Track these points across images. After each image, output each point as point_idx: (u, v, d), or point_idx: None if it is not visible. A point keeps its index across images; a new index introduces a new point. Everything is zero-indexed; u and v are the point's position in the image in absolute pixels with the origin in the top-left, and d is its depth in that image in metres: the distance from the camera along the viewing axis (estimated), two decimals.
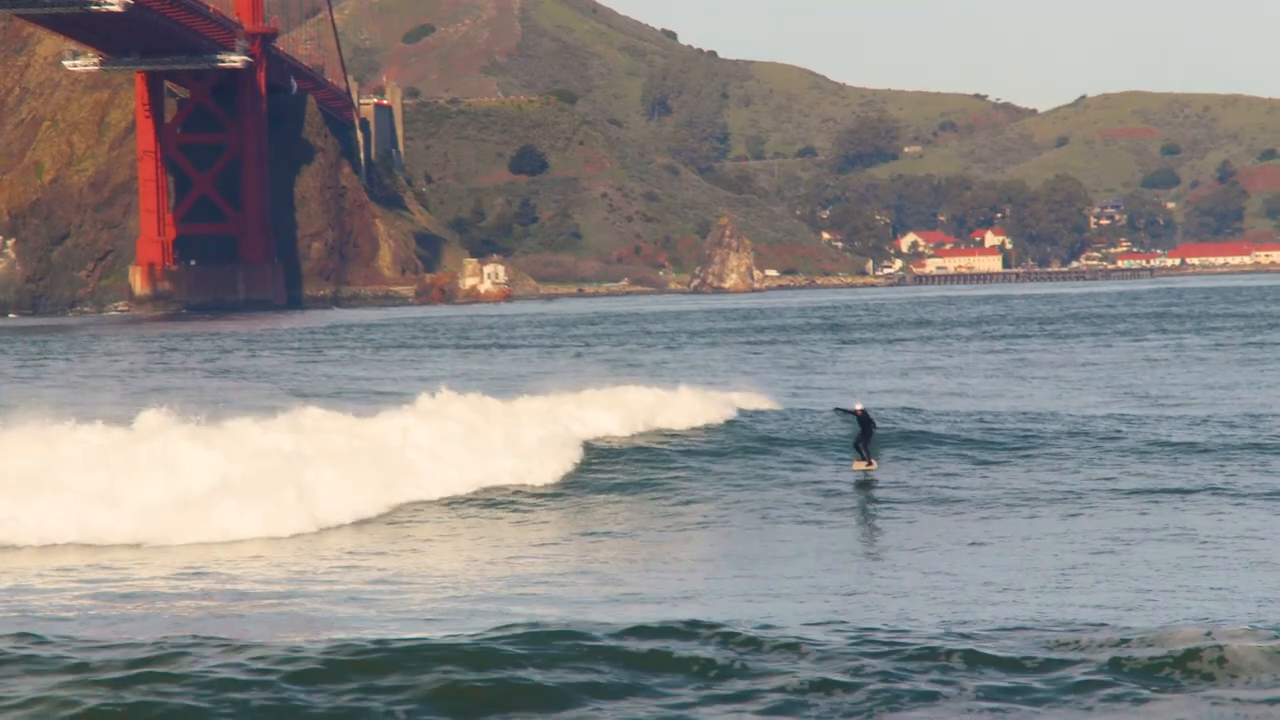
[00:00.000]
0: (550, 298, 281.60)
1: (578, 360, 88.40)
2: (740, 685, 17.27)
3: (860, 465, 36.06)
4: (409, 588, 25.41)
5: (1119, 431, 43.68)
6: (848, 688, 17.14)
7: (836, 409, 39.95)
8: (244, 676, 17.06)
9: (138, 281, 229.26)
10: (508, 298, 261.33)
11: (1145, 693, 17.12)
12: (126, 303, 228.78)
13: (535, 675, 17.29)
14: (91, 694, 16.65)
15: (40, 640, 18.77)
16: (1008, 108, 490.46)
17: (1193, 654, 17.80)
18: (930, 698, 17.01)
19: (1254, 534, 29.80)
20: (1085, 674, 17.65)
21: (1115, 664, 17.85)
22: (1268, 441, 42.03)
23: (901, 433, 43.06)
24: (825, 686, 17.10)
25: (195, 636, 18.94)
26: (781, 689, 17.07)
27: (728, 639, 18.52)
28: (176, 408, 36.01)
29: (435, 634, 19.08)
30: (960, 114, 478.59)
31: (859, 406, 36.36)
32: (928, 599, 23.77)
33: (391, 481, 33.95)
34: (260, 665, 17.42)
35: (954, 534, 30.68)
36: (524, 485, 35.99)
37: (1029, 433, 44.10)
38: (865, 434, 35.67)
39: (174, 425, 34.95)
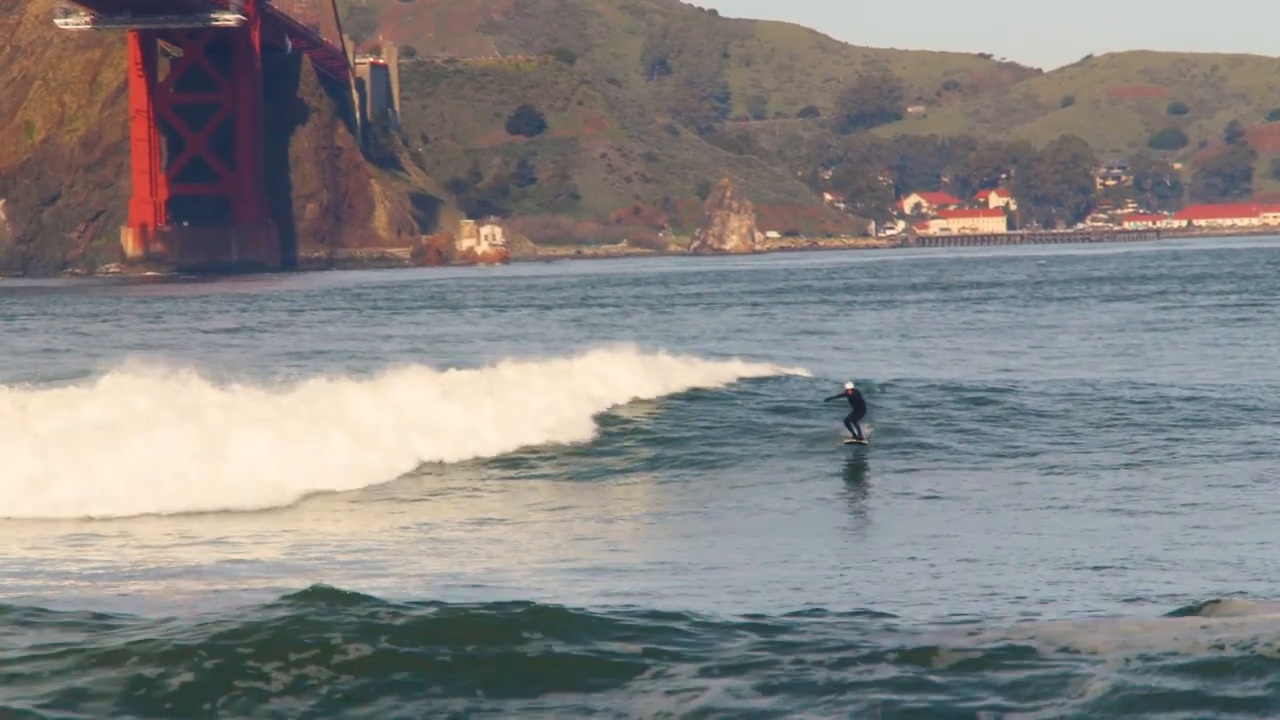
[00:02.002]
0: (548, 259, 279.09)
1: (588, 325, 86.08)
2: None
3: (849, 438, 34.42)
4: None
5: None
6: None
7: (826, 399, 37.35)
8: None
9: (130, 243, 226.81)
10: (505, 259, 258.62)
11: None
12: (118, 264, 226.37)
13: None
14: None
15: None
16: (1012, 67, 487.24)
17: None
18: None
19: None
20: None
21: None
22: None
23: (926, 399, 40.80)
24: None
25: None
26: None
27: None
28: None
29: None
30: (964, 73, 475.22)
31: (849, 386, 35.08)
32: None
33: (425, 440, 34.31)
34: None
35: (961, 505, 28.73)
36: (553, 444, 35.01)
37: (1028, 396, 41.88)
38: (857, 413, 34.38)
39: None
